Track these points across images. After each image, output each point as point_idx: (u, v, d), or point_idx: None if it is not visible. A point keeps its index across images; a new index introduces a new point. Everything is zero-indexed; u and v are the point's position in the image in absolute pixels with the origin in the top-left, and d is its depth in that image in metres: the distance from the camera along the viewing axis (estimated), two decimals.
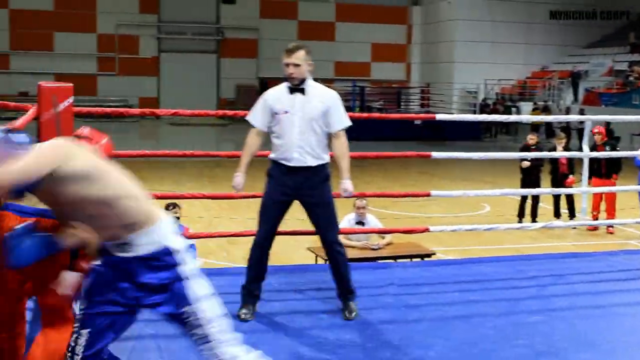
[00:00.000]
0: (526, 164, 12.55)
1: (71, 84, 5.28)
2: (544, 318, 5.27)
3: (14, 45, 35.76)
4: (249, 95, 37.13)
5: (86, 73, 36.71)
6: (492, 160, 16.88)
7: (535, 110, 30.66)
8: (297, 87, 5.09)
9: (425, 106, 37.23)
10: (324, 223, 5.19)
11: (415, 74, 41.05)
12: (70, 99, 5.17)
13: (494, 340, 4.81)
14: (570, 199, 12.75)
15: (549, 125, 27.77)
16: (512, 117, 14.97)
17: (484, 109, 33.51)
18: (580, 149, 12.15)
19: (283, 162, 5.11)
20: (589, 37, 38.20)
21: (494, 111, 31.90)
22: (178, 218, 7.60)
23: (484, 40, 36.68)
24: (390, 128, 26.89)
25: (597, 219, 12.12)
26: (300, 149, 5.06)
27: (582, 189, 7.73)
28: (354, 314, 5.16)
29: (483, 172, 18.93)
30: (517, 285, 6.16)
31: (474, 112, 33.07)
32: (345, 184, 5.11)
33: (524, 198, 12.89)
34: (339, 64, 39.65)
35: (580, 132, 19.20)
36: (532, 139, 12.84)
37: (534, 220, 12.41)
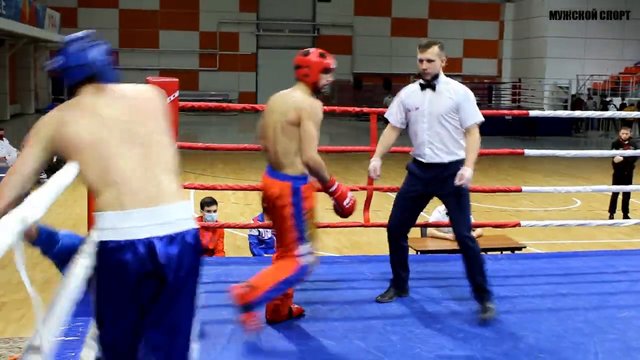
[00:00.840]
0: (619, 159, 12.19)
1: (176, 79, 5.40)
2: (635, 313, 5.13)
3: (122, 43, 36.77)
4: (344, 91, 37.33)
5: (189, 69, 37.55)
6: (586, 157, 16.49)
7: (630, 106, 29.74)
8: (428, 83, 4.96)
9: (517, 101, 36.56)
10: (455, 217, 5.04)
11: (506, 69, 40.38)
12: (176, 93, 5.28)
13: (584, 334, 4.70)
14: None
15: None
16: (606, 114, 14.57)
17: (577, 104, 32.66)
18: None
19: (418, 158, 5.07)
20: None
21: (584, 106, 31.09)
22: (214, 211, 7.65)
23: (576, 36, 35.77)
24: (484, 124, 26.51)
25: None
26: (431, 145, 4.96)
27: None
28: (487, 314, 4.89)
29: (574, 167, 18.49)
30: (608, 279, 6.00)
31: (565, 108, 32.30)
32: (463, 169, 4.81)
33: (615, 194, 12.52)
34: None
35: None
36: (624, 133, 12.46)
37: (625, 216, 12.06)
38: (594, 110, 28.41)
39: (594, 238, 10.57)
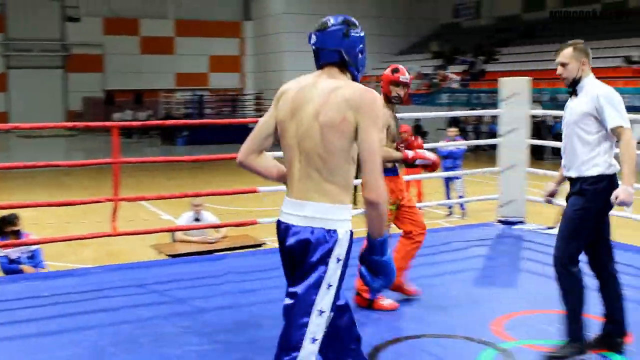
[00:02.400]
0: None
1: None
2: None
3: None
4: (96, 107, 36.15)
5: None
6: None
7: None
8: (572, 89, 4.24)
9: (260, 111, 37.37)
10: (557, 239, 4.24)
11: (249, 82, 41.17)
12: None
13: None
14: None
15: None
16: None
17: None
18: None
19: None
20: (399, 46, 39.65)
21: None
22: (17, 231, 7.09)
23: (309, 50, 37.11)
24: (229, 132, 26.88)
25: None
26: (565, 157, 4.24)
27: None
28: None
29: None
30: None
31: None
32: (617, 191, 3.98)
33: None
34: (179, 75, 39.20)
35: None
36: None
37: (356, 207, 12.72)
38: None
39: None
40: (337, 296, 2.79)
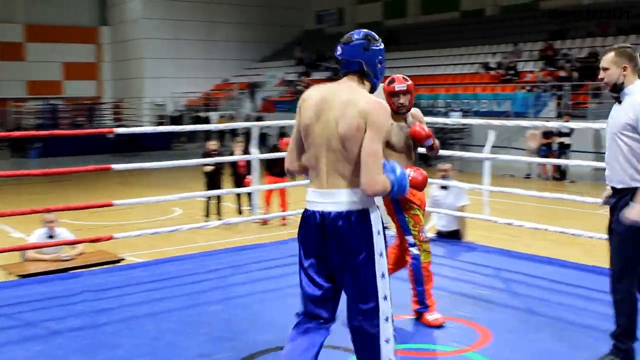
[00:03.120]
0: (208, 168, 12.76)
1: None
2: (223, 307, 5.40)
3: None
4: None
5: None
6: (184, 167, 16.95)
7: (221, 118, 31.31)
8: (616, 96, 4.15)
9: (119, 120, 36.50)
10: (611, 252, 4.25)
11: (107, 90, 40.10)
12: None
13: (178, 332, 4.83)
14: (250, 196, 13.17)
15: (234, 131, 28.50)
16: (199, 127, 15.06)
17: (176, 120, 33.69)
18: (269, 151, 12.61)
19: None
20: (262, 52, 39.84)
21: (181, 121, 32.11)
22: None
23: (169, 57, 36.82)
24: (85, 143, 26.14)
25: (268, 212, 12.65)
26: (609, 167, 4.21)
27: (259, 187, 8.04)
28: None
29: (176, 178, 18.96)
30: (200, 279, 6.25)
31: (163, 124, 32.94)
32: (629, 207, 4.05)
33: (208, 199, 13.14)
34: (30, 83, 37.59)
35: (261, 136, 19.90)
36: (212, 144, 13.09)
37: (220, 218, 12.67)
38: (191, 124, 29.44)
39: (195, 242, 10.94)
40: (387, 262, 3.34)
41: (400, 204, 5.04)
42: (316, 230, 3.28)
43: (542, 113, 21.89)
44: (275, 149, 13.01)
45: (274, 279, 6.25)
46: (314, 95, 3.35)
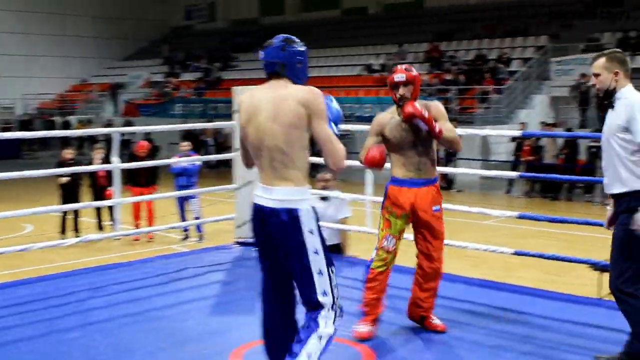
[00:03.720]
0: (63, 179, 12.40)
1: None
2: (81, 333, 5.28)
3: None
4: None
5: None
6: (36, 178, 16.41)
7: (79, 124, 30.56)
8: (608, 102, 4.38)
9: None
10: (611, 259, 4.45)
11: None
12: None
13: None
14: (111, 210, 12.91)
15: (93, 138, 27.84)
16: (52, 133, 14.63)
17: (27, 124, 32.61)
18: (128, 160, 12.38)
19: None
20: (125, 50, 39.16)
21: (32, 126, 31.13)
22: None
23: (19, 54, 35.58)
24: None
25: (139, 227, 12.45)
26: (606, 174, 4.42)
27: (121, 200, 7.86)
28: None
29: (25, 191, 18.33)
30: (56, 303, 6.08)
31: (10, 129, 31.81)
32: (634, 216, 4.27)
33: (65, 214, 12.78)
34: None
35: (124, 143, 19.52)
36: (68, 153, 12.75)
37: (78, 235, 12.36)
38: (43, 129, 28.57)
39: (52, 262, 10.64)
40: (329, 256, 3.77)
41: (383, 201, 5.22)
42: (259, 222, 3.80)
43: None
44: (135, 157, 12.82)
45: (138, 301, 6.17)
46: (245, 99, 3.88)
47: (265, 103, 3.75)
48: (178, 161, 10.44)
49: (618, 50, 4.50)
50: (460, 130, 7.81)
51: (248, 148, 3.87)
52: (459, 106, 23.16)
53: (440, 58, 26.47)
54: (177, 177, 12.58)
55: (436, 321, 5.31)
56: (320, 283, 3.73)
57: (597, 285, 7.78)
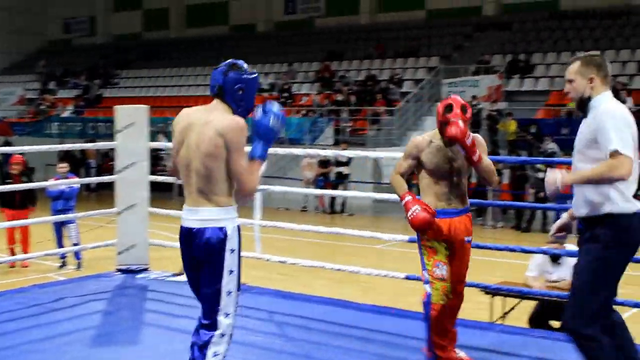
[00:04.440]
0: None
1: None
2: None
3: None
4: None
5: None
6: None
7: None
8: (582, 111, 4.06)
9: None
10: (570, 293, 4.08)
11: None
12: None
13: None
14: None
15: None
16: None
17: None
18: (2, 179, 12.00)
19: None
20: None
21: None
22: None
23: None
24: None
25: (14, 253, 12.07)
26: (575, 191, 4.09)
27: None
28: None
29: None
30: None
31: None
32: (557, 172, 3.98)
33: None
34: None
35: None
36: None
37: None
38: None
39: None
40: (239, 282, 3.97)
41: (418, 233, 4.98)
42: (185, 245, 4.00)
43: (319, 140, 22.77)
44: (9, 175, 12.47)
45: (9, 334, 5.97)
46: (181, 120, 4.04)
47: (195, 126, 3.93)
48: (55, 184, 10.18)
49: (596, 53, 4.17)
50: (351, 153, 7.96)
51: (178, 167, 4.04)
52: (350, 128, 23.47)
53: (331, 78, 26.80)
54: (54, 200, 12.27)
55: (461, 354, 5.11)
56: (227, 304, 3.93)
57: (489, 309, 8.01)
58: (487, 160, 4.88)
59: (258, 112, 3.95)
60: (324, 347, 5.68)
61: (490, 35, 26.78)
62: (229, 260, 3.93)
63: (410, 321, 6.33)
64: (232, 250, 3.93)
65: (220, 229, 3.90)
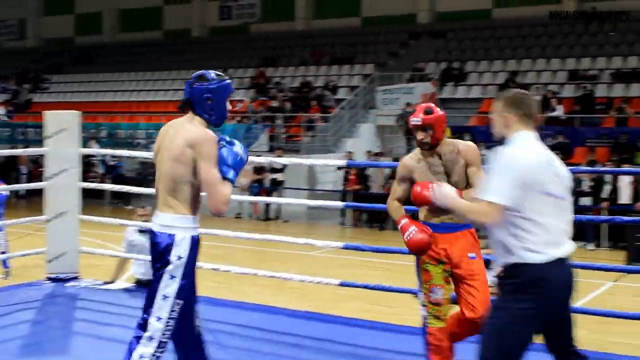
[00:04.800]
0: None
1: None
2: None
3: None
4: None
5: None
6: None
7: None
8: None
9: None
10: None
11: None
12: None
13: None
14: None
15: None
16: None
17: None
18: None
19: None
20: None
21: None
22: None
23: None
24: None
25: None
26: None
27: None
28: None
29: None
30: None
31: None
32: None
33: None
34: None
35: None
36: None
37: None
38: None
39: None
40: (183, 290, 4.01)
41: (417, 257, 4.84)
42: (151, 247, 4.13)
43: (254, 146, 22.73)
44: None
45: None
46: (164, 127, 4.22)
47: (169, 134, 4.11)
48: None
49: (520, 90, 4.00)
50: (286, 160, 8.00)
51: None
52: (285, 134, 23.49)
53: (266, 84, 26.80)
54: None
55: None
56: (160, 307, 3.98)
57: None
58: (474, 183, 4.65)
59: (221, 144, 4.02)
60: (256, 354, 5.69)
61: (425, 43, 27.09)
62: (173, 267, 3.98)
63: (343, 327, 6.38)
64: (179, 258, 3.98)
65: (170, 235, 3.99)
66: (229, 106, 4.20)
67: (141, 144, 23.85)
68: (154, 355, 3.95)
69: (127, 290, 7.83)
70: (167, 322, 3.99)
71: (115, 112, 27.29)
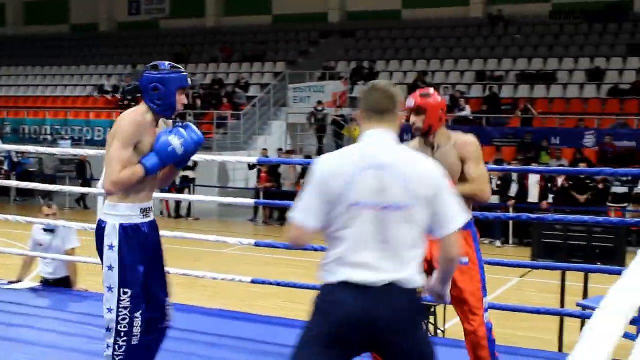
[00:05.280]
0: None
1: None
2: None
3: None
4: None
5: None
6: None
7: None
8: None
9: None
10: None
11: None
12: None
13: None
14: None
15: None
16: None
17: None
18: None
19: None
20: None
21: None
22: None
23: None
24: None
25: None
26: None
27: None
28: None
29: None
30: None
31: None
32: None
33: None
34: None
35: None
36: None
37: None
38: None
39: None
40: (125, 281, 3.99)
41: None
42: None
43: None
44: None
45: None
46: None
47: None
48: None
49: (375, 82, 3.31)
50: (197, 157, 7.85)
51: None
52: None
53: None
54: None
55: None
56: (108, 299, 4.01)
57: None
58: (473, 179, 4.35)
59: (173, 130, 4.10)
60: (167, 353, 5.58)
61: (335, 42, 27.24)
62: (107, 256, 4.00)
63: (260, 325, 6.32)
64: (111, 247, 3.98)
65: (101, 222, 4.04)
66: (183, 99, 4.20)
67: (48, 140, 23.30)
68: (115, 344, 4.00)
69: (33, 289, 7.59)
70: (119, 313, 3.98)
71: (20, 107, 26.59)
